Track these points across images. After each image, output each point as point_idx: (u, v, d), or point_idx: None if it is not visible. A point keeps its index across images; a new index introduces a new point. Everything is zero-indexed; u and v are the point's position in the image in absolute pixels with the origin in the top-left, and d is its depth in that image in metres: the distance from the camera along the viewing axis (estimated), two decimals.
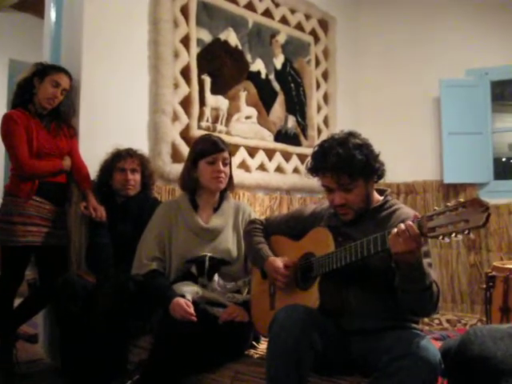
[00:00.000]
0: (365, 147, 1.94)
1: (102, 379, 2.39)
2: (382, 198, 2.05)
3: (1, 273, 3.02)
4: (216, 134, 3.81)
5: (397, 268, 1.72)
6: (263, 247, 2.29)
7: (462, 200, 1.51)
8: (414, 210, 2.03)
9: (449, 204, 1.54)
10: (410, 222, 1.64)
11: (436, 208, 1.58)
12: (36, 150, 2.87)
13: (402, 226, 1.63)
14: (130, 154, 3.03)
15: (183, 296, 2.34)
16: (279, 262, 2.15)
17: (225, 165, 2.60)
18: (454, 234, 1.50)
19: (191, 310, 2.24)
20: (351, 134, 1.98)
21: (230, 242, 2.60)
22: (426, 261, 1.83)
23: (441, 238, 1.54)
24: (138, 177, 3.04)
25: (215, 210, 2.66)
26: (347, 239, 1.91)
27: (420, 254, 1.68)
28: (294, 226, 2.27)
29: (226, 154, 2.60)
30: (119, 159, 3.01)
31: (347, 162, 1.89)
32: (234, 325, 2.31)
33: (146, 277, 2.49)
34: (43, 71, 2.96)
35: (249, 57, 4.21)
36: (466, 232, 1.48)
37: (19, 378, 2.81)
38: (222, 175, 2.59)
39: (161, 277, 2.51)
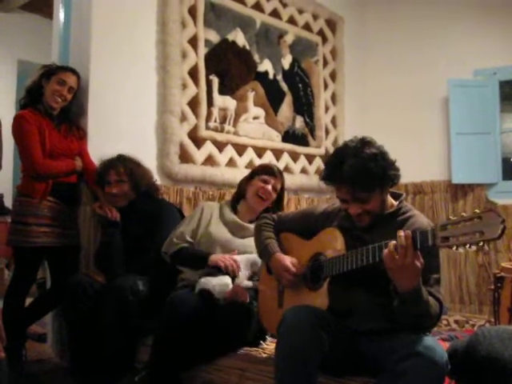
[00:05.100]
0: (380, 156, 1.87)
1: (109, 379, 2.40)
2: (396, 203, 2.02)
3: (13, 273, 3.03)
4: (224, 134, 3.83)
5: (394, 292, 1.73)
6: (271, 242, 2.30)
7: (477, 211, 1.48)
8: (427, 219, 2.01)
9: (464, 214, 1.52)
10: (393, 243, 1.64)
11: (450, 217, 1.55)
12: (49, 150, 2.87)
13: (391, 246, 1.65)
14: (111, 166, 2.92)
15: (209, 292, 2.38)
16: (287, 261, 2.15)
17: (274, 190, 2.81)
18: (468, 245, 1.47)
19: None
20: (366, 143, 1.90)
21: None
22: (434, 276, 1.84)
23: (454, 248, 1.51)
24: (125, 187, 2.91)
25: (251, 222, 2.78)
26: (359, 242, 1.88)
27: (418, 279, 1.67)
28: (304, 224, 2.26)
29: (277, 183, 2.83)
30: (105, 172, 2.91)
31: (363, 175, 1.82)
32: (234, 308, 2.34)
33: (175, 254, 2.68)
34: (50, 72, 2.97)
35: (256, 57, 4.21)
36: (481, 244, 1.45)
37: (28, 377, 2.81)
38: (266, 196, 2.78)
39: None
